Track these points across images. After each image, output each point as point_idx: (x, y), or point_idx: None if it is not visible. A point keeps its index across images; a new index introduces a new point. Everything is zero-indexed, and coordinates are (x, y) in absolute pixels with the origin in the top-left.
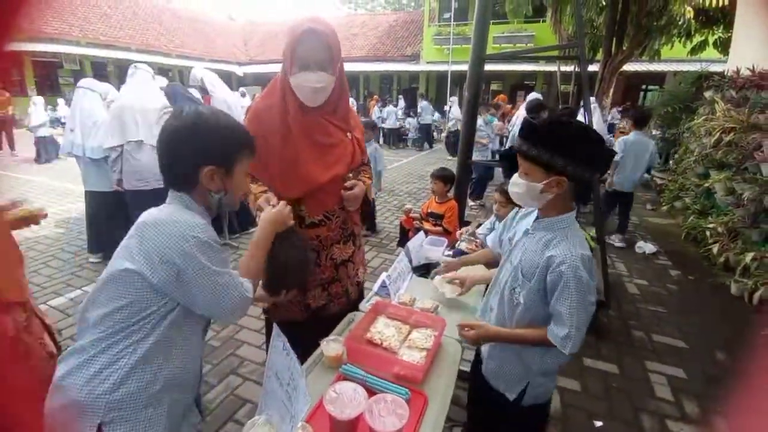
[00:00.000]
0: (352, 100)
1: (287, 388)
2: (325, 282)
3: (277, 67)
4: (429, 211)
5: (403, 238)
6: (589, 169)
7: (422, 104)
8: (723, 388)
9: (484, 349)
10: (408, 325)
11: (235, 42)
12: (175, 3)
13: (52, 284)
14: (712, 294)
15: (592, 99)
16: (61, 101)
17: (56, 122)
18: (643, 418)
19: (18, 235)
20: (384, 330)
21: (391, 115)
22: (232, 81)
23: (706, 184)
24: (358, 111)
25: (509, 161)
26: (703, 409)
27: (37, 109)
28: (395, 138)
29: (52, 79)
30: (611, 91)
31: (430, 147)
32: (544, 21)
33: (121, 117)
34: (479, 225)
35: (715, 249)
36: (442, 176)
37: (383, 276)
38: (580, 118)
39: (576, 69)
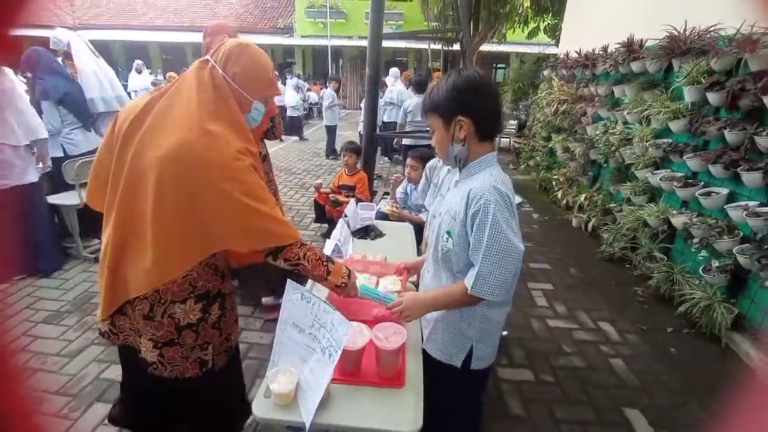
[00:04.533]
0: None
1: (310, 330)
2: None
3: (118, 34)
4: (340, 183)
5: (320, 213)
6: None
7: (294, 82)
8: (578, 292)
9: (424, 326)
10: (374, 275)
11: (56, 1)
12: None
13: None
14: (561, 228)
15: None
16: None
17: None
18: (532, 321)
19: None
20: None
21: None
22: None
23: (550, 145)
24: None
25: None
26: (568, 308)
27: None
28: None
29: None
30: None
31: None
32: (410, 0)
33: None
34: (385, 193)
35: (560, 194)
36: (354, 149)
37: (334, 241)
38: None
39: (444, 47)
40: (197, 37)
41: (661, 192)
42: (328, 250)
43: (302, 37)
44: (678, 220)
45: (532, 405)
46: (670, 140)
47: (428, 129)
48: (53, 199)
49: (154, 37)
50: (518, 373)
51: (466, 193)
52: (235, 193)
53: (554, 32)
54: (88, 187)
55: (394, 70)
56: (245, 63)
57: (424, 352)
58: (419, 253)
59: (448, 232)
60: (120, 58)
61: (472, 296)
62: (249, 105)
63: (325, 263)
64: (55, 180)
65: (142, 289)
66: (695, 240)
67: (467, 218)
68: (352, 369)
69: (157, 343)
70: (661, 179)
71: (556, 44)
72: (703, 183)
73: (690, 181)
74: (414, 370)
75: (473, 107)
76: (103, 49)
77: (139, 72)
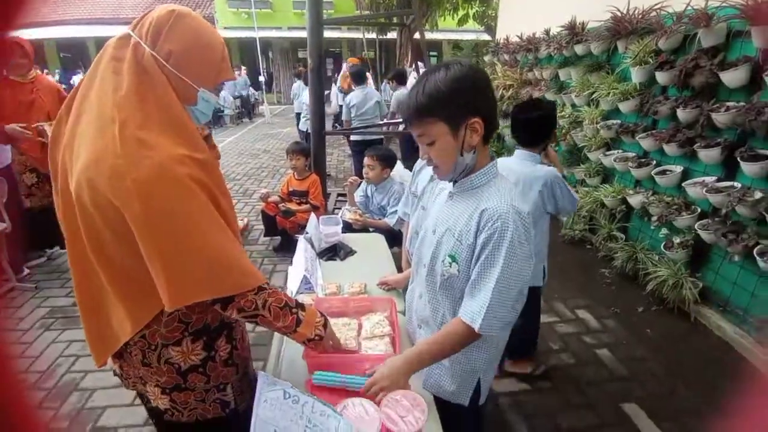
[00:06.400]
0: None
1: None
2: None
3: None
4: (291, 189)
5: (271, 225)
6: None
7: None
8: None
9: None
10: (353, 318)
11: None
12: None
13: None
14: None
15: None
16: None
17: None
18: None
19: None
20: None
21: None
22: None
23: (497, 132)
24: None
25: None
26: (544, 299)
27: None
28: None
29: None
30: (409, 56)
31: (250, 119)
32: None
33: None
34: (339, 195)
35: None
36: (302, 150)
37: (301, 271)
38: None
39: (378, 36)
40: (102, 31)
41: (614, 172)
42: (294, 282)
43: (225, 28)
44: (635, 200)
45: (535, 420)
46: (619, 121)
47: (379, 123)
48: None
49: (49, 34)
50: (513, 384)
51: (477, 212)
52: (162, 217)
53: (483, 19)
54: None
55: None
56: (185, 38)
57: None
58: (395, 260)
59: (452, 257)
60: None
61: (476, 335)
62: (194, 95)
63: (294, 311)
64: None
65: (121, 339)
66: (654, 218)
67: (477, 241)
68: None
69: (164, 389)
70: (614, 160)
71: (486, 31)
72: (655, 162)
73: (643, 160)
74: None
75: (484, 105)
76: None
77: None
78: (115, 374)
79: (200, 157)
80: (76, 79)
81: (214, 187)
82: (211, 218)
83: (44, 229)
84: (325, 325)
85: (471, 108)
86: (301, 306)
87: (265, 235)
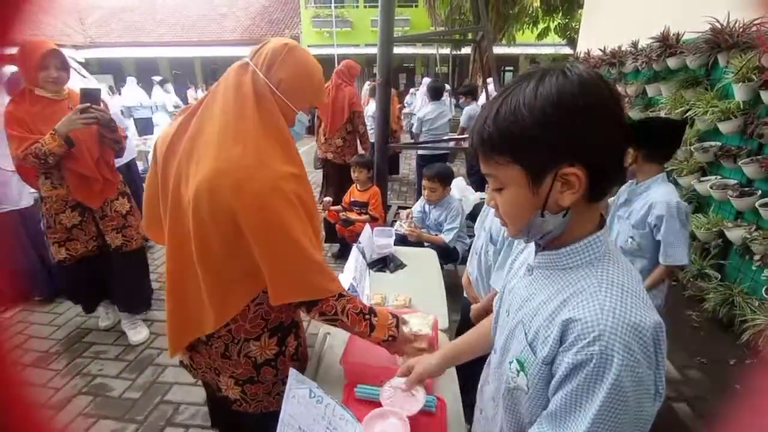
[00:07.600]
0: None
1: None
2: None
3: (127, 51)
4: (352, 200)
5: (331, 232)
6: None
7: None
8: None
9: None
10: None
11: (68, 20)
12: None
13: None
14: None
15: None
16: None
17: None
18: None
19: None
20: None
21: None
22: None
23: None
24: None
25: None
26: None
27: None
28: None
29: None
30: (480, 73)
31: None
32: (416, 6)
33: None
34: (399, 208)
35: None
36: (365, 163)
37: (349, 279)
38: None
39: (452, 51)
40: (206, 51)
41: (710, 201)
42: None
43: (309, 46)
44: (735, 234)
45: None
46: (719, 143)
47: (446, 138)
48: None
49: (164, 53)
50: None
51: (561, 318)
52: (273, 228)
53: (565, 32)
54: (144, 218)
55: (426, 79)
56: (293, 68)
57: None
58: (446, 278)
59: (521, 364)
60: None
61: None
62: (293, 117)
63: (367, 317)
64: None
65: (206, 329)
66: (756, 257)
67: (561, 359)
68: None
69: (238, 380)
70: (711, 187)
71: (568, 44)
72: (761, 192)
73: (746, 189)
74: None
75: (593, 144)
76: (114, 65)
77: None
78: (182, 364)
79: (299, 172)
80: (190, 93)
81: (308, 200)
82: (306, 231)
83: (84, 284)
84: (398, 325)
85: (567, 149)
86: (373, 312)
87: (325, 242)
